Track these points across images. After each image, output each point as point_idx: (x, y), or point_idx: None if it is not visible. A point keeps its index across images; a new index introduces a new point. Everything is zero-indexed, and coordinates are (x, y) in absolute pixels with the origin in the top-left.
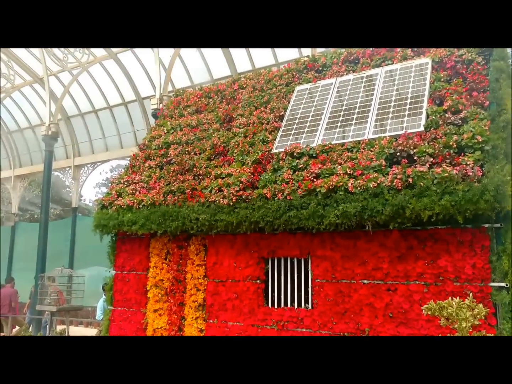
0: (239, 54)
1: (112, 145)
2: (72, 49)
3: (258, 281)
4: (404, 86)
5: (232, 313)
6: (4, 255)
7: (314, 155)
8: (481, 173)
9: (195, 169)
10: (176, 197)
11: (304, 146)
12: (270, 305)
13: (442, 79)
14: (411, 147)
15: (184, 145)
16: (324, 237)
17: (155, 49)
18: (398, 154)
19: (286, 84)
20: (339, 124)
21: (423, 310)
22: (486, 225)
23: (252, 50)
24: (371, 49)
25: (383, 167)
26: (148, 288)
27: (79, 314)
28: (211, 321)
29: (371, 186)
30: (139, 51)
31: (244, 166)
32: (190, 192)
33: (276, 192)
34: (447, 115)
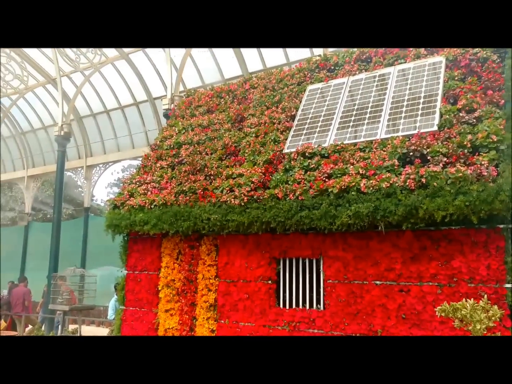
0: (250, 54)
1: (124, 145)
2: (84, 50)
3: (270, 282)
4: (417, 85)
5: (243, 313)
6: (18, 254)
7: (326, 155)
8: (496, 173)
9: (206, 169)
10: (187, 197)
11: (316, 146)
12: (281, 305)
13: (456, 78)
14: (425, 147)
15: (196, 145)
16: (336, 238)
17: (167, 50)
18: (411, 154)
19: (298, 84)
20: (351, 124)
21: (437, 312)
22: (501, 226)
23: (263, 49)
24: (383, 48)
25: (396, 167)
26: (159, 288)
27: (91, 314)
28: (223, 321)
29: (384, 186)
30: (150, 51)
31: (256, 166)
32: (202, 192)
33: (288, 192)
34: (461, 114)
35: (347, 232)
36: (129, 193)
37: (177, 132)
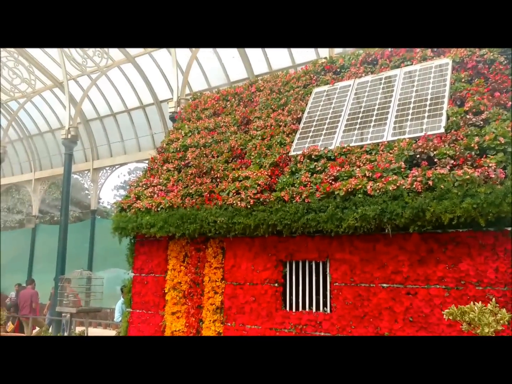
0: (256, 56)
1: (130, 148)
2: (91, 54)
3: (276, 284)
4: (423, 87)
5: (250, 316)
6: (25, 256)
7: (332, 158)
8: (503, 175)
9: (212, 172)
10: (194, 200)
11: (322, 149)
12: (288, 308)
13: (463, 80)
14: (431, 149)
15: (202, 148)
16: (343, 240)
17: (173, 53)
18: (418, 156)
19: (304, 86)
20: (357, 126)
21: (444, 315)
22: (509, 228)
23: (269, 52)
24: (389, 50)
25: (402, 170)
26: (166, 291)
27: (97, 316)
28: (229, 324)
29: (391, 188)
30: (156, 54)
31: (262, 169)
32: (208, 195)
33: (294, 195)
34: (468, 116)
35: (353, 235)
36: (136, 196)
37: (183, 135)
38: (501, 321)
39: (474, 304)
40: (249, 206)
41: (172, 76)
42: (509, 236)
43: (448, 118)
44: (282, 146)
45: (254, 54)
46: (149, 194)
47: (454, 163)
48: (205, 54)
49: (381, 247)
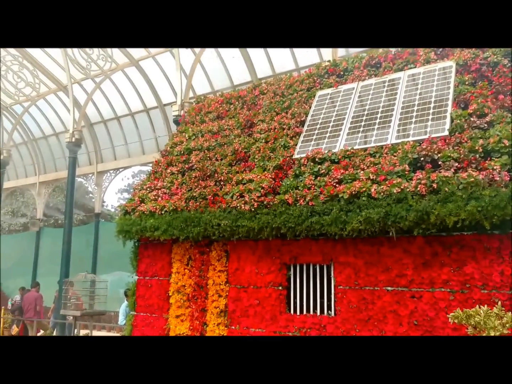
0: (259, 59)
1: (134, 152)
2: (95, 57)
3: (280, 288)
4: (427, 90)
5: (254, 319)
6: (29, 259)
7: (336, 161)
8: (508, 178)
9: (216, 175)
10: (198, 203)
11: (326, 152)
12: (292, 311)
13: (466, 82)
14: (435, 152)
15: (206, 151)
16: (347, 243)
17: (176, 56)
18: (422, 159)
19: (307, 89)
20: (361, 129)
21: (450, 318)
22: None
23: (272, 55)
24: (393, 53)
25: (406, 172)
26: (170, 294)
27: (101, 319)
28: (233, 327)
29: (395, 191)
30: (160, 58)
31: (266, 172)
32: (212, 198)
33: (298, 198)
34: (472, 119)
35: (357, 238)
36: (140, 199)
37: (187, 138)
38: (507, 325)
39: (479, 307)
40: (253, 209)
41: (176, 79)
42: None
43: (452, 120)
44: (286, 149)
45: (258, 57)
46: (153, 197)
47: (459, 165)
48: (209, 54)
49: (386, 250)
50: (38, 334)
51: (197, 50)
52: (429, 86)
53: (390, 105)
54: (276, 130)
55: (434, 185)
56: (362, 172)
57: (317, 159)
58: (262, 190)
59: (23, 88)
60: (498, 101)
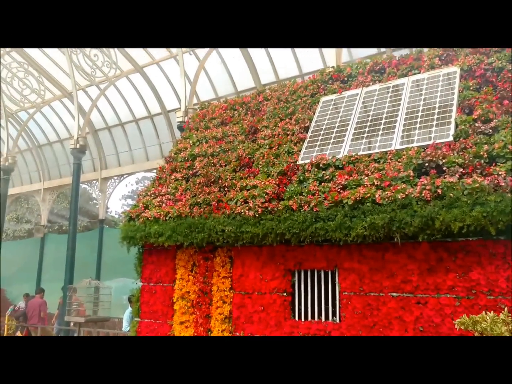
0: (263, 65)
1: (138, 158)
2: (99, 64)
3: (285, 294)
4: (431, 96)
5: (258, 325)
6: (34, 266)
7: (340, 166)
8: None
9: (220, 181)
10: (202, 209)
11: (330, 157)
12: (297, 318)
13: (471, 88)
14: (440, 157)
15: (210, 157)
16: (352, 249)
17: (180, 63)
18: (426, 164)
19: (311, 95)
20: (365, 135)
21: (456, 325)
22: None
23: (275, 61)
24: (397, 58)
25: (411, 178)
26: (174, 300)
27: (105, 325)
28: (238, 333)
29: (399, 197)
30: (164, 64)
31: (270, 178)
32: (216, 204)
33: (302, 204)
34: (477, 124)
35: (362, 244)
36: (144, 205)
37: (191, 144)
38: None
39: (486, 313)
40: (257, 215)
41: (180, 85)
42: None
43: (456, 126)
44: (290, 155)
45: (261, 63)
46: (157, 203)
47: (463, 171)
48: (212, 61)
49: (390, 256)
50: None
51: (201, 56)
52: (433, 92)
53: (394, 110)
54: (280, 136)
55: (439, 191)
56: (366, 178)
57: (321, 165)
58: (266, 196)
59: (28, 94)
60: (503, 107)
